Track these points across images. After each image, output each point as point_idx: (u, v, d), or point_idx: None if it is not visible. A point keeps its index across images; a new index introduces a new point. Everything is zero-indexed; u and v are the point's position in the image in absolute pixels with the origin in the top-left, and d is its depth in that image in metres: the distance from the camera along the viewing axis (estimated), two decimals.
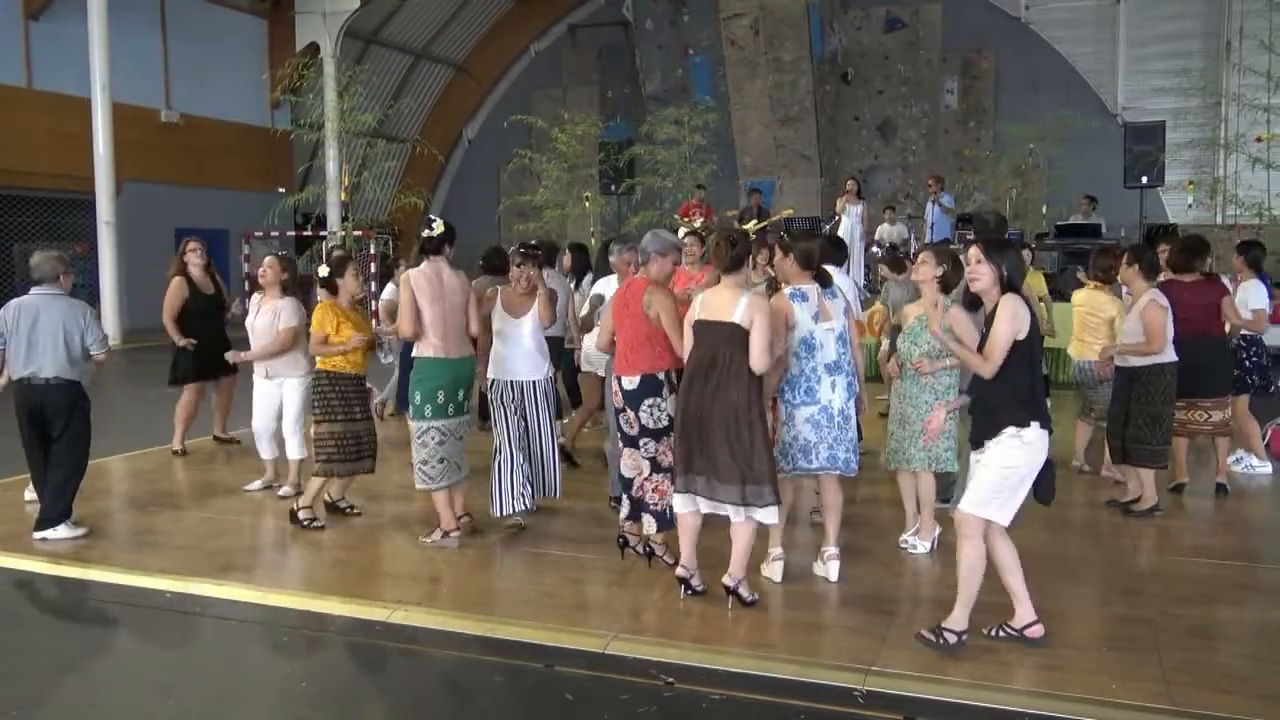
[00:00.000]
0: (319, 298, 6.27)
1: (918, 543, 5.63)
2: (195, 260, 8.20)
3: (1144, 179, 14.65)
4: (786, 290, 5.07)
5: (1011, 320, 4.17)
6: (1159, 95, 18.92)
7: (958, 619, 4.28)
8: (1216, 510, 6.72)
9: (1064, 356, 12.11)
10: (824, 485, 5.23)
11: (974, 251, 4.33)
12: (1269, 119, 10.38)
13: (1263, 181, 9.78)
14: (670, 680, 4.07)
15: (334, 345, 6.07)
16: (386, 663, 4.47)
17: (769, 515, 4.70)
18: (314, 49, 20.59)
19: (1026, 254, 10.42)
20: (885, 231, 16.10)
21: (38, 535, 5.98)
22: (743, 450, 4.61)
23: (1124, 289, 7.16)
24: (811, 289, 5.08)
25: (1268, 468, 7.56)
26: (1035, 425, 4.19)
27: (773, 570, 5.16)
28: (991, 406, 4.26)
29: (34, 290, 6.04)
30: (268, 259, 7.03)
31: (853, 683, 4.00)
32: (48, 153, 17.67)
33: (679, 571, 4.88)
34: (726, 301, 4.68)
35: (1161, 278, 6.77)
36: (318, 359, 6.19)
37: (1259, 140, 10.18)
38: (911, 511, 5.75)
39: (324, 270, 6.27)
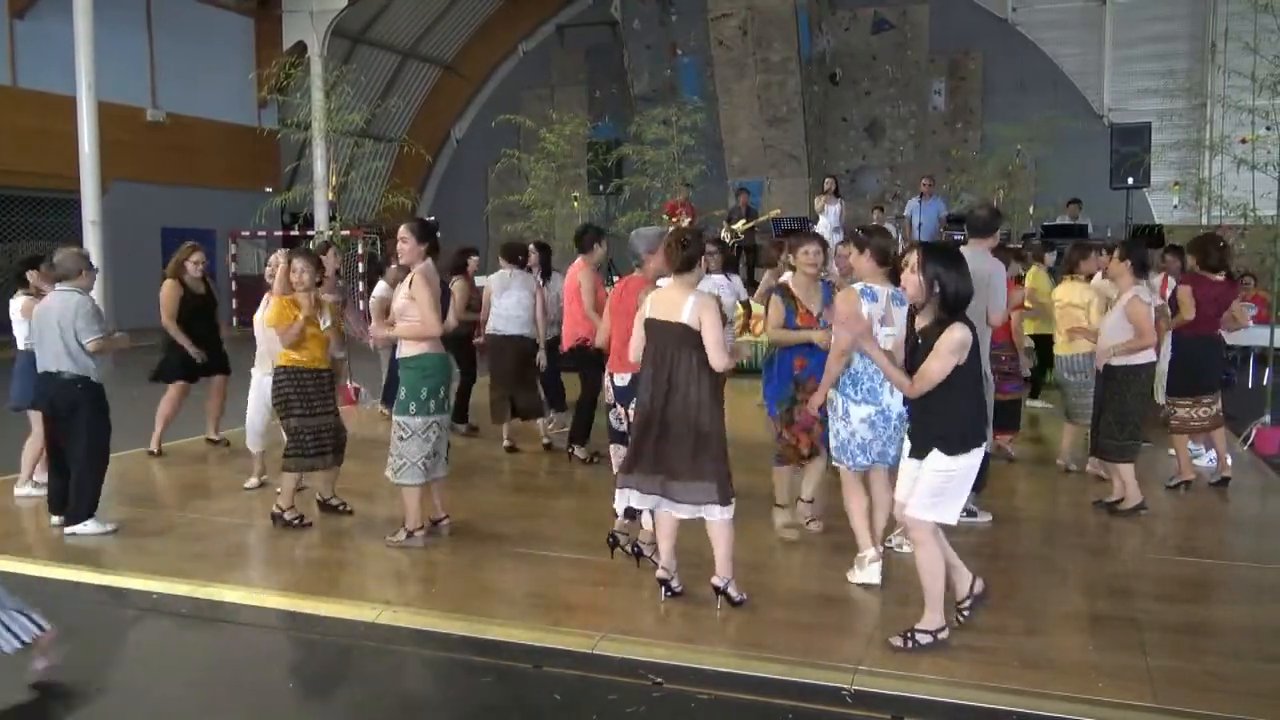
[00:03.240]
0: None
1: (905, 543, 5.63)
2: (193, 271, 8.27)
3: (1130, 180, 14.73)
4: (857, 286, 4.96)
5: (951, 354, 4.05)
6: (1145, 96, 19.00)
7: (929, 620, 4.31)
8: (1201, 509, 6.76)
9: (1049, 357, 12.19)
10: (873, 482, 5.17)
11: (911, 258, 4.19)
12: (1253, 120, 10.41)
13: (1247, 183, 9.79)
14: (658, 680, 4.07)
15: (293, 327, 6.00)
16: (373, 664, 4.45)
17: (724, 514, 4.65)
18: (301, 48, 20.47)
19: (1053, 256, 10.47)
20: None
21: (67, 531, 6.07)
22: (699, 450, 4.60)
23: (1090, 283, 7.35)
24: (882, 290, 4.99)
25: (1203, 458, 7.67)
26: (967, 452, 4.18)
27: (870, 573, 5.07)
28: (927, 425, 4.23)
29: (57, 286, 6.12)
30: (274, 257, 7.01)
31: (841, 682, 4.00)
32: (32, 152, 17.54)
33: (659, 573, 4.88)
34: (675, 301, 4.66)
35: (1153, 277, 6.84)
36: (277, 356, 6.20)
37: (1244, 141, 10.20)
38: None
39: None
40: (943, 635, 4.29)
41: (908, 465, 4.37)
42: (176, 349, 8.19)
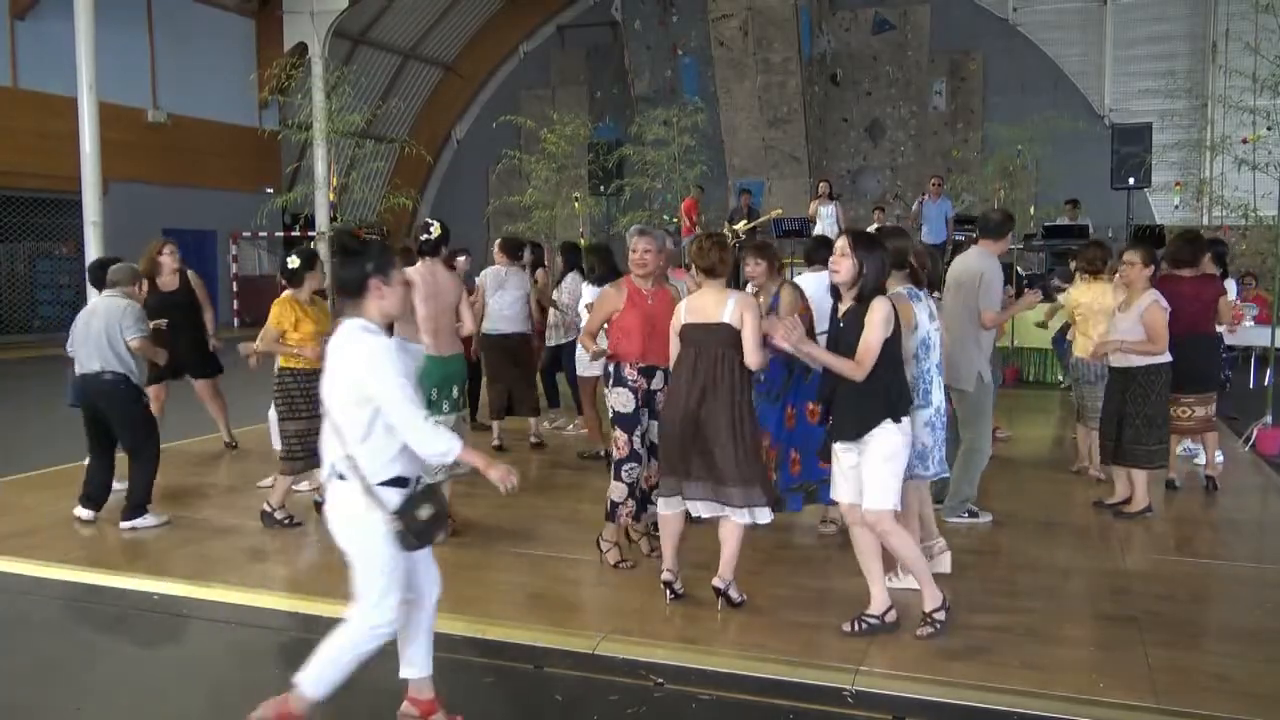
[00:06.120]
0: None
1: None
2: (169, 264, 8.07)
3: (1131, 180, 14.72)
4: (903, 289, 4.88)
5: (884, 324, 4.23)
6: (1146, 97, 19.01)
7: (931, 599, 4.39)
8: (1203, 509, 6.76)
9: (1050, 357, 12.21)
10: (922, 490, 5.17)
11: (841, 243, 4.37)
12: (1254, 121, 10.41)
13: (1248, 183, 9.80)
14: (659, 680, 4.07)
15: (287, 346, 6.09)
16: (375, 665, 4.45)
17: (766, 515, 4.69)
18: (302, 49, 20.49)
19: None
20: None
21: (124, 525, 6.18)
22: (745, 451, 4.60)
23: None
24: (922, 290, 5.00)
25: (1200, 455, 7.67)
26: (905, 419, 4.35)
27: (941, 562, 5.18)
28: (859, 406, 4.29)
29: (104, 293, 6.34)
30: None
31: (842, 682, 4.00)
32: (33, 153, 17.57)
33: (664, 575, 4.87)
34: (714, 303, 4.65)
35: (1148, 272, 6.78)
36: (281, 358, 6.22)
37: (1245, 142, 10.19)
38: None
39: (294, 262, 6.20)
40: (947, 604, 4.42)
41: (844, 457, 4.40)
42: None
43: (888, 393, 4.28)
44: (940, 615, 4.39)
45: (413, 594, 3.56)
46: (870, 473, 4.31)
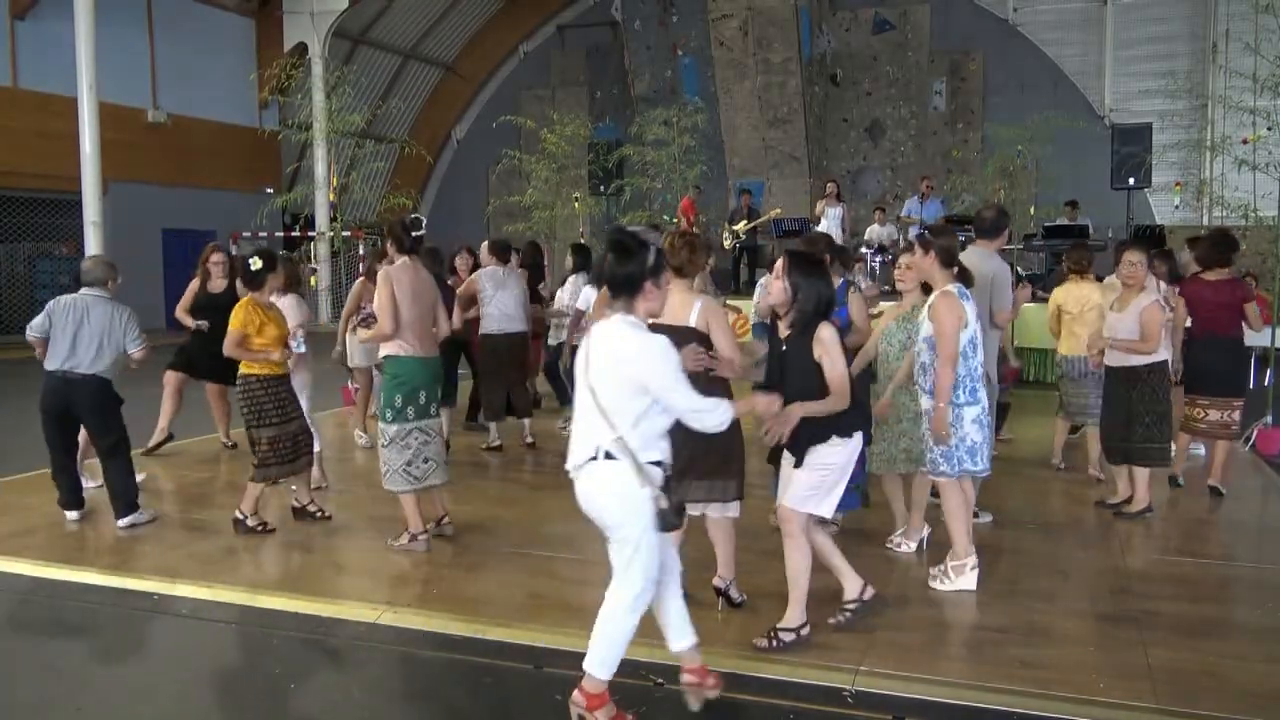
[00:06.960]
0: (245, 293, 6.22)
1: (903, 543, 5.64)
2: (216, 270, 8.32)
3: (1131, 180, 14.74)
4: (953, 288, 4.92)
5: (838, 348, 4.18)
6: (1146, 97, 19.02)
7: (792, 617, 4.33)
8: (1204, 510, 6.76)
9: (1049, 357, 12.19)
10: (966, 488, 5.17)
11: (778, 263, 4.32)
12: (1254, 121, 10.41)
13: (1248, 183, 9.80)
14: (660, 680, 4.06)
15: (253, 351, 5.97)
16: (374, 665, 4.45)
17: (734, 509, 4.68)
18: (302, 49, 20.53)
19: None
20: (875, 232, 16.16)
21: (121, 525, 6.21)
22: (714, 447, 4.58)
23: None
24: (969, 290, 5.00)
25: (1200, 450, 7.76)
26: (858, 433, 4.30)
27: (969, 580, 5.05)
28: (808, 425, 4.21)
29: (84, 290, 6.29)
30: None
31: (842, 683, 4.00)
32: (33, 153, 17.58)
33: None
34: (680, 305, 4.58)
35: (1154, 279, 6.79)
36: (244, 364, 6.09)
37: (1245, 142, 10.20)
38: (900, 513, 5.76)
39: (256, 264, 6.08)
40: (805, 632, 4.32)
41: (788, 462, 4.38)
42: (186, 345, 8.37)
43: (834, 413, 4.20)
44: (787, 637, 4.29)
45: (663, 574, 3.68)
46: (799, 475, 4.28)
